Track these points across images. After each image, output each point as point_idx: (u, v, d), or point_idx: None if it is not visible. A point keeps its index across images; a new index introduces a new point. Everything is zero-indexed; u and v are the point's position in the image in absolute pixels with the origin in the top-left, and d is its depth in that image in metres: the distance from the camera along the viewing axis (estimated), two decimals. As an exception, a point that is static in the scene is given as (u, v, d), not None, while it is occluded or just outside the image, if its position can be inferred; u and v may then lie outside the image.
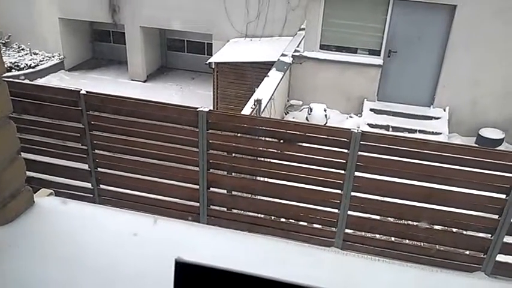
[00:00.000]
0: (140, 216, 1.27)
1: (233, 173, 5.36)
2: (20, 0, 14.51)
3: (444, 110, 9.72)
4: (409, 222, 5.08)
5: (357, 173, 4.79)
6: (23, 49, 14.90)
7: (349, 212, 5.00)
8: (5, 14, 14.76)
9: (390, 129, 9.32)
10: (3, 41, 14.68)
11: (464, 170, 4.57)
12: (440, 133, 9.17)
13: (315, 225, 5.28)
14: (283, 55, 10.08)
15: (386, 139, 4.75)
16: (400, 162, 4.65)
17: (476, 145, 8.84)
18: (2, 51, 1.28)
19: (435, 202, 4.79)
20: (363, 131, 4.71)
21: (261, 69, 10.09)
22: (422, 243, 5.15)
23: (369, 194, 4.93)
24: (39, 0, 14.72)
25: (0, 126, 1.25)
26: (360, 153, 4.70)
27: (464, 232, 5.02)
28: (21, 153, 1.40)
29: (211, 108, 9.26)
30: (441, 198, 4.75)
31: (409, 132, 9.10)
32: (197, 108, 4.93)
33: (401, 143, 4.65)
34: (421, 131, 9.23)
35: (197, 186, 5.27)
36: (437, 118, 9.63)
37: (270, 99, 7.93)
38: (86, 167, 5.54)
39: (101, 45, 16.64)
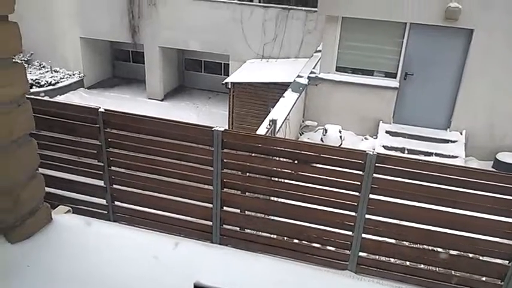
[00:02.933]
0: (160, 238, 1.28)
1: (247, 193, 5.36)
2: (43, 18, 14.93)
3: (461, 134, 9.62)
4: (425, 246, 4.99)
5: (371, 196, 4.75)
6: (44, 66, 15.28)
7: (364, 235, 4.94)
8: (28, 32, 15.15)
9: (406, 151, 9.24)
10: (26, 59, 15.07)
11: (481, 195, 4.49)
12: (457, 157, 9.06)
13: (329, 248, 5.22)
14: (299, 76, 10.15)
15: (402, 162, 4.71)
16: (416, 185, 4.60)
17: (494, 169, 8.70)
18: (25, 70, 1.33)
19: (451, 226, 4.71)
20: (378, 153, 4.68)
21: (277, 90, 10.17)
22: (438, 269, 5.05)
23: (384, 217, 4.87)
24: (61, 20, 15.13)
25: (22, 144, 1.28)
26: (375, 175, 4.67)
27: (481, 258, 4.90)
28: (39, 169, 1.43)
29: (227, 127, 9.33)
30: (458, 223, 4.67)
31: (425, 155, 9.00)
32: (212, 127, 4.97)
33: (417, 166, 4.61)
34: (437, 154, 9.13)
35: (210, 205, 5.28)
36: (454, 141, 9.52)
37: (285, 119, 7.96)
38: (101, 183, 5.60)
39: (121, 64, 16.98)
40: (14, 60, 1.25)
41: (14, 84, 1.24)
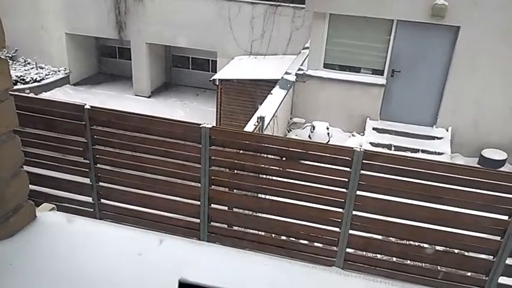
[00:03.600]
0: (145, 235, 1.27)
1: (235, 190, 5.36)
2: (28, 14, 14.72)
3: (447, 130, 9.73)
4: (411, 242, 5.04)
5: (358, 192, 4.78)
6: (29, 63, 15.07)
7: (351, 231, 4.98)
8: (12, 28, 14.96)
9: (392, 148, 9.32)
10: (10, 55, 14.85)
11: (467, 191, 4.55)
12: (443, 153, 9.16)
13: (316, 244, 5.24)
14: (287, 73, 10.15)
15: (389, 158, 4.75)
16: (402, 181, 4.65)
17: (479, 166, 8.81)
18: (8, 65, 1.30)
19: (437, 223, 4.77)
20: (365, 150, 4.71)
21: (265, 86, 10.17)
22: (424, 264, 5.10)
23: (371, 213, 4.91)
24: (46, 16, 14.93)
25: (5, 141, 1.26)
26: (362, 172, 4.70)
27: (466, 253, 4.97)
28: (23, 166, 1.41)
29: (215, 124, 9.30)
30: (443, 218, 4.73)
31: (411, 152, 9.09)
32: (200, 124, 4.95)
33: (404, 163, 4.65)
34: (423, 151, 9.22)
35: (198, 203, 5.26)
36: (440, 138, 9.63)
37: (273, 116, 7.97)
38: (87, 181, 5.55)
39: (107, 60, 16.82)
40: (-4, 55, 1.22)
41: (-4, 79, 1.21)
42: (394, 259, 5.14)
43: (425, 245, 5.03)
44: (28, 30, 14.77)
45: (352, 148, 4.74)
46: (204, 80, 14.41)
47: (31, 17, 14.83)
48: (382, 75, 9.95)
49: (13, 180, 1.29)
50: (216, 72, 12.75)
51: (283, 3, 13.29)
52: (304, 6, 10.53)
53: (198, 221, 5.35)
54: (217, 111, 11.45)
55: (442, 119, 9.80)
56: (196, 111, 13.66)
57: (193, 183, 5.23)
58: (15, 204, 1.29)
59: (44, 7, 14.81)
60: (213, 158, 5.03)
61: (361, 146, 6.81)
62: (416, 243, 5.01)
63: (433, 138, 9.64)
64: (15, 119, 1.32)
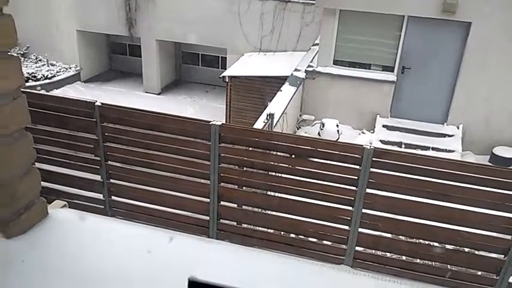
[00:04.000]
0: (155, 232, 1.28)
1: (244, 187, 5.36)
2: (39, 12, 14.83)
3: (458, 128, 9.64)
4: (421, 241, 5.01)
5: (368, 190, 4.76)
6: (40, 60, 15.19)
7: (360, 230, 4.96)
8: (24, 25, 15.07)
9: (403, 146, 9.26)
10: (22, 52, 14.98)
11: (477, 189, 4.51)
12: (454, 151, 9.08)
13: (325, 242, 5.23)
14: (296, 70, 10.12)
15: (399, 156, 4.72)
16: (413, 180, 4.61)
17: (490, 164, 8.72)
18: (20, 63, 1.32)
19: (447, 221, 4.73)
20: (375, 148, 4.69)
21: (274, 83, 10.15)
22: (434, 263, 5.07)
23: (381, 211, 4.88)
24: (57, 13, 15.03)
25: (18, 138, 1.27)
26: (371, 169, 4.67)
27: (477, 252, 4.93)
28: (35, 163, 1.42)
29: (224, 121, 9.31)
30: (454, 217, 4.69)
31: (422, 150, 9.02)
32: (210, 121, 4.96)
33: (414, 160, 4.62)
34: (434, 149, 9.15)
35: (208, 200, 5.28)
36: (451, 136, 9.54)
37: (282, 113, 7.95)
38: (98, 178, 5.59)
39: (117, 57, 16.90)
40: (9, 53, 1.24)
41: (9, 77, 1.23)
42: (404, 257, 5.12)
43: (435, 244, 5.00)
44: (39, 27, 14.89)
45: (362, 146, 4.71)
46: (214, 77, 14.43)
47: (42, 14, 14.95)
48: (393, 71, 9.88)
49: (25, 177, 1.31)
50: (225, 69, 12.75)
51: (293, 0, 13.25)
52: (314, 2, 10.50)
53: (208, 218, 5.37)
54: (226, 108, 11.46)
55: (453, 116, 9.71)
56: (206, 108, 13.69)
57: (202, 181, 5.25)
58: (28, 201, 1.30)
59: (55, 4, 14.92)
60: (222, 155, 5.03)
61: (371, 144, 6.78)
62: (426, 242, 4.98)
63: (444, 135, 9.56)
64: (28, 117, 1.34)
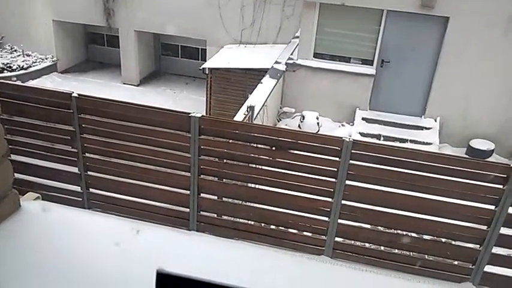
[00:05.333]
0: (125, 224, 1.26)
1: (224, 180, 5.35)
2: (14, 1, 14.45)
3: (435, 121, 9.79)
4: (399, 231, 5.09)
5: (347, 182, 4.80)
6: (15, 50, 14.82)
7: (340, 221, 5.01)
8: (-2, 14, 14.72)
9: (381, 138, 9.36)
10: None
11: (454, 181, 4.60)
12: (431, 143, 9.23)
13: (305, 233, 5.27)
14: (277, 62, 10.12)
15: (378, 148, 4.77)
16: (391, 171, 4.68)
17: (467, 156, 8.90)
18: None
19: (425, 212, 4.81)
20: (354, 140, 4.73)
21: (255, 76, 10.12)
22: (411, 253, 5.16)
23: (360, 202, 4.94)
24: (33, 2, 14.66)
25: (-12, 129, 1.23)
26: (351, 161, 4.71)
27: (453, 242, 5.03)
28: (11, 155, 1.38)
29: (204, 113, 9.25)
30: (431, 208, 4.77)
31: (400, 142, 9.14)
32: (190, 113, 4.92)
33: (392, 153, 4.68)
34: (412, 141, 9.28)
35: (188, 192, 5.25)
36: (428, 128, 9.69)
37: (262, 105, 7.95)
38: (76, 170, 5.50)
39: (95, 48, 16.60)
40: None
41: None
42: (382, 248, 5.19)
43: (413, 234, 5.08)
44: (15, 16, 14.52)
45: (341, 138, 4.75)
46: (194, 69, 14.30)
47: (18, 3, 14.57)
48: (372, 65, 9.96)
49: (-4, 169, 1.27)
50: (205, 61, 12.65)
51: (273, -8, 13.20)
52: (294, -5, 10.47)
53: (188, 210, 5.35)
54: (207, 101, 11.39)
55: (431, 109, 9.86)
56: (186, 100, 13.58)
57: (182, 173, 5.21)
58: (-1, 193, 1.27)
59: (31, -7, 14.54)
60: (202, 147, 5.01)
61: (350, 136, 6.84)
62: (404, 233, 5.06)
63: (422, 128, 9.71)
64: (-2, 106, 1.29)
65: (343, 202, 4.90)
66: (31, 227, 1.21)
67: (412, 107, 9.99)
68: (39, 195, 1.44)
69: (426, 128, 9.69)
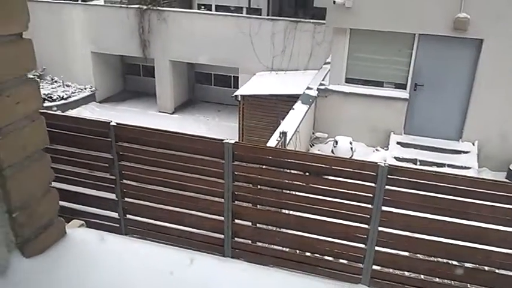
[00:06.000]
0: (176, 253, 1.27)
1: (258, 205, 5.34)
2: (55, 33, 15.19)
3: (473, 144, 9.53)
4: (439, 259, 4.92)
5: (384, 208, 4.70)
6: (56, 81, 15.49)
7: (377, 248, 4.88)
8: (40, 46, 15.43)
9: (418, 163, 9.17)
10: (38, 74, 15.29)
11: (494, 206, 4.43)
12: (470, 167, 8.96)
13: (342, 261, 5.16)
14: (308, 88, 10.16)
15: (414, 173, 4.66)
16: (429, 197, 4.55)
17: (507, 180, 8.58)
18: (39, 86, 1.34)
19: (466, 239, 4.64)
20: (390, 165, 4.65)
21: (287, 102, 10.19)
22: (453, 282, 4.96)
23: (397, 229, 4.81)
24: (73, 35, 15.37)
25: (37, 159, 1.29)
26: (387, 187, 4.62)
27: (497, 271, 4.81)
28: (52, 182, 1.44)
29: (237, 140, 9.33)
30: (472, 235, 4.60)
31: (437, 167, 8.92)
32: (223, 140, 4.98)
33: (430, 178, 4.56)
34: (449, 166, 9.04)
35: (222, 218, 5.26)
36: (466, 152, 9.43)
37: (295, 131, 7.96)
38: (113, 196, 5.62)
39: (131, 78, 17.16)
40: (27, 76, 1.27)
41: (28, 100, 1.25)
42: (422, 276, 5.01)
43: (454, 262, 4.89)
44: (55, 49, 15.23)
45: (376, 163, 4.68)
46: (226, 96, 14.54)
47: (58, 36, 15.30)
48: (405, 89, 9.86)
49: (44, 198, 1.32)
50: (237, 88, 12.85)
51: (303, 19, 13.37)
52: (324, 21, 10.57)
53: (222, 236, 5.34)
54: (239, 127, 11.51)
55: (468, 132, 9.62)
56: (219, 127, 13.76)
57: (216, 199, 5.24)
58: (46, 221, 1.31)
59: (71, 27, 15.27)
60: (236, 173, 5.03)
61: (385, 161, 6.73)
62: (445, 260, 4.88)
63: (459, 152, 9.46)
64: (46, 138, 1.35)
65: (380, 229, 4.79)
66: (77, 255, 1.24)
67: (448, 131, 9.78)
68: (83, 222, 1.48)
69: (464, 152, 9.44)
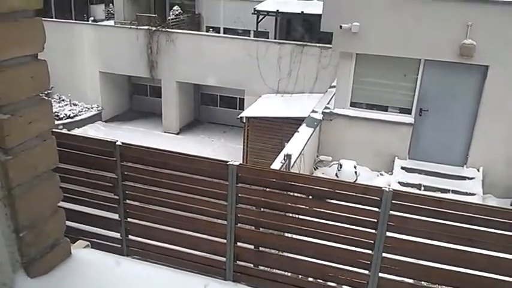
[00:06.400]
0: (187, 278, 1.27)
1: (261, 228, 5.31)
2: (64, 52, 15.40)
3: (478, 170, 9.49)
4: (443, 286, 4.84)
5: (388, 233, 4.66)
6: (63, 100, 15.66)
7: (380, 274, 4.82)
8: (49, 65, 15.62)
9: (422, 188, 9.12)
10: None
11: (501, 234, 4.38)
12: (474, 194, 8.90)
13: (344, 287, 5.09)
14: (313, 111, 10.21)
15: (419, 199, 4.64)
16: (434, 223, 4.51)
17: (514, 208, 8.50)
18: (51, 106, 1.37)
19: (472, 267, 4.58)
20: (394, 190, 4.63)
21: (292, 124, 10.23)
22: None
23: (402, 255, 4.76)
24: (82, 54, 15.60)
25: (46, 179, 1.30)
26: (391, 212, 4.59)
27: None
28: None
29: (241, 161, 9.34)
30: (479, 263, 4.54)
31: (441, 192, 8.87)
32: (228, 161, 4.98)
33: (435, 203, 4.53)
34: (454, 191, 8.99)
35: (224, 240, 5.22)
36: (471, 178, 9.38)
37: (299, 154, 7.96)
38: (116, 216, 5.60)
39: (138, 98, 17.32)
40: (41, 97, 1.29)
41: (40, 120, 1.27)
42: (426, 304, 4.93)
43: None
44: (64, 69, 15.43)
45: (380, 187, 4.66)
46: (232, 118, 14.63)
47: (67, 55, 15.51)
48: (410, 114, 9.89)
49: (51, 217, 1.33)
50: (243, 110, 12.93)
51: (309, 43, 13.52)
52: (330, 46, 10.68)
53: (224, 259, 5.30)
54: (244, 149, 11.53)
55: (473, 158, 9.59)
56: (224, 148, 13.79)
57: (219, 221, 5.22)
58: (53, 241, 1.32)
59: (80, 47, 15.50)
60: (239, 195, 5.02)
61: (389, 186, 6.71)
62: (450, 288, 4.81)
63: (464, 178, 9.41)
64: (56, 158, 1.37)
65: (384, 255, 4.74)
66: (82, 276, 1.24)
67: (453, 157, 9.75)
68: (88, 243, 1.48)
69: (469, 178, 9.40)
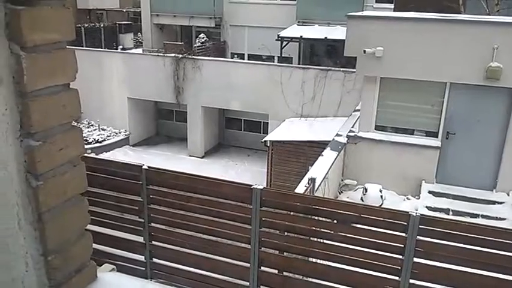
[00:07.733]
0: None
1: (285, 253, 5.26)
2: (93, 79, 15.89)
3: (508, 195, 9.21)
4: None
5: (415, 259, 4.55)
6: (92, 125, 16.07)
7: (408, 302, 4.69)
8: (79, 92, 16.11)
9: (450, 213, 8.89)
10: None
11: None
12: (505, 219, 8.62)
13: (371, 314, 4.97)
14: (337, 135, 10.17)
15: (448, 224, 4.53)
16: (463, 249, 4.39)
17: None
18: (82, 133, 1.42)
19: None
20: (422, 214, 4.54)
21: (316, 148, 10.21)
22: None
23: (430, 282, 4.63)
24: (110, 81, 16.05)
25: (75, 204, 1.35)
26: (419, 237, 4.50)
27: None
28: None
29: (265, 185, 9.33)
30: (510, 291, 4.37)
31: (471, 217, 8.63)
32: (251, 185, 5.00)
33: (464, 229, 4.42)
34: (483, 216, 8.73)
35: (248, 265, 5.20)
36: (501, 203, 9.10)
37: (324, 178, 7.91)
38: (141, 239, 5.66)
39: (164, 123, 17.63)
40: (72, 124, 1.34)
41: (71, 146, 1.32)
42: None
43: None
44: (93, 94, 15.89)
45: (407, 212, 4.58)
46: (256, 142, 14.70)
47: (96, 81, 15.99)
48: (437, 137, 9.73)
49: (79, 241, 1.37)
50: (267, 134, 12.98)
51: (333, 68, 13.57)
52: (354, 70, 10.70)
53: (248, 284, 5.26)
54: (267, 172, 11.53)
55: (502, 182, 9.32)
56: (248, 172, 13.82)
57: (243, 245, 5.20)
58: (79, 264, 1.35)
59: (109, 74, 15.97)
60: (263, 219, 5.01)
61: (417, 210, 6.58)
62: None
63: (494, 202, 9.14)
64: (85, 183, 1.42)
65: (412, 281, 4.62)
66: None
67: (481, 180, 9.51)
68: (114, 266, 1.51)
69: (498, 203, 9.12)
